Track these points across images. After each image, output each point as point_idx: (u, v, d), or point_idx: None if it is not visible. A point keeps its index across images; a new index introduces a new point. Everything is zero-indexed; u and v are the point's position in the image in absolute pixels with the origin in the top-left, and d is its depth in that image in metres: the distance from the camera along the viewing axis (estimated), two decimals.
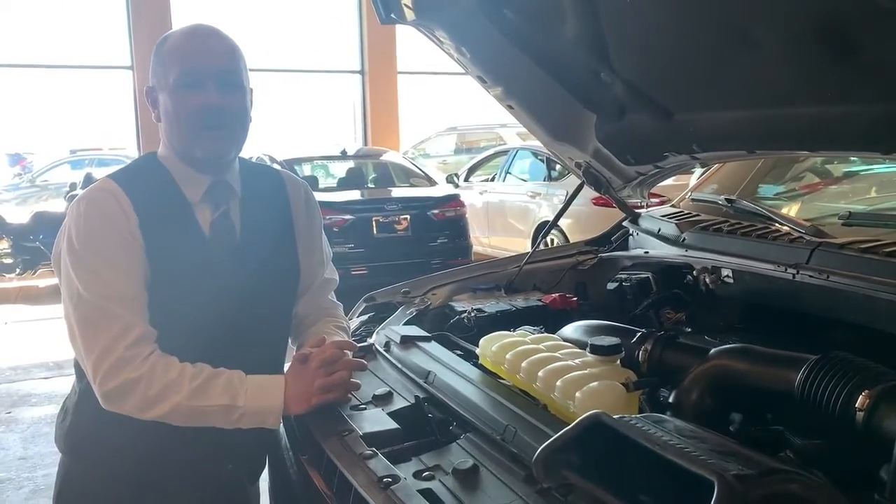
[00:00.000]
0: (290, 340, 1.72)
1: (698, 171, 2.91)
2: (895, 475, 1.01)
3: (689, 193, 2.58)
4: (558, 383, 1.37)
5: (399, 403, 1.48)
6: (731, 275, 1.88)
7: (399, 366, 1.66)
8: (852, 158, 2.95)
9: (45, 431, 4.41)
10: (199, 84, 1.43)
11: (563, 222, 7.04)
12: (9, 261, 8.75)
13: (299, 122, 11.58)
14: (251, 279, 1.50)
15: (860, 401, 1.14)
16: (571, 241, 3.96)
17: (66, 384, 5.37)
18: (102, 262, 1.39)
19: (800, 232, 1.83)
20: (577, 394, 1.32)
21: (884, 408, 1.12)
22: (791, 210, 2.40)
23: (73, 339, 1.42)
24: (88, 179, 9.17)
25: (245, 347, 1.48)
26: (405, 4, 1.90)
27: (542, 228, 7.89)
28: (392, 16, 1.95)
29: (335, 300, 1.79)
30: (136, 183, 1.47)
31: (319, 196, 1.84)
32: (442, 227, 7.29)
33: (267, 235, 1.58)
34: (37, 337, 6.64)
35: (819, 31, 1.31)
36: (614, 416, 1.09)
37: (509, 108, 2.18)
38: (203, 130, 1.44)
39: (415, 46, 11.85)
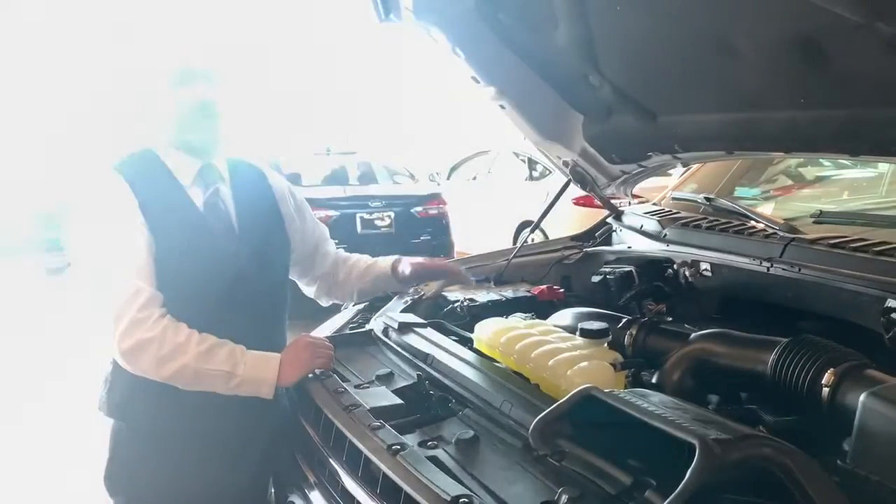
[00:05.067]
0: (322, 297, 2.05)
1: (676, 172, 3.03)
2: (855, 443, 1.11)
3: (670, 192, 2.69)
4: (550, 363, 1.47)
5: (401, 382, 1.58)
6: (709, 268, 1.99)
7: (398, 349, 1.75)
8: (825, 163, 3.09)
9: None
10: (188, 80, 1.64)
11: (543, 222, 7.13)
12: None
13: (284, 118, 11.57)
14: (245, 250, 1.69)
15: (826, 378, 1.25)
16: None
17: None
18: (110, 235, 1.57)
19: (774, 228, 1.94)
20: (568, 372, 1.42)
21: (847, 384, 1.23)
22: (766, 209, 2.52)
23: (92, 307, 1.58)
24: None
25: (243, 316, 1.65)
26: (404, 5, 1.99)
27: (524, 227, 8.03)
28: (391, 16, 2.03)
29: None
30: (132, 169, 1.65)
31: (303, 192, 2.01)
32: (425, 224, 7.37)
33: (256, 212, 1.77)
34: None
35: (794, 41, 1.42)
36: (604, 390, 1.19)
37: (501, 107, 2.28)
38: (198, 121, 1.65)
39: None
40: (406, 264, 2.01)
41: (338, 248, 2.09)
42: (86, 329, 1.69)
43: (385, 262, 2.04)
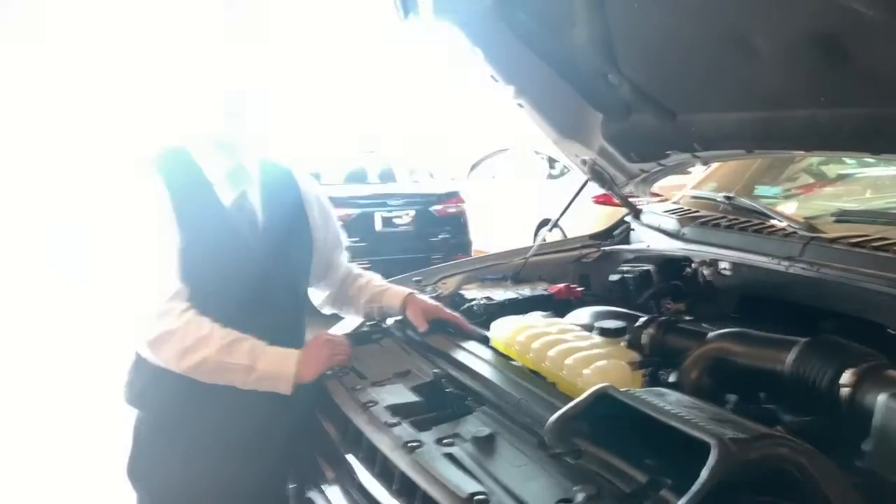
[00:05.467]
0: (335, 307, 2.05)
1: (696, 170, 3.01)
2: (875, 444, 1.11)
3: (689, 191, 2.68)
4: (567, 362, 1.48)
5: (418, 380, 1.59)
6: (728, 267, 1.98)
7: (416, 347, 1.76)
8: (847, 161, 3.06)
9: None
10: (223, 74, 1.65)
11: (562, 220, 7.11)
12: None
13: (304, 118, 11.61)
14: (269, 251, 1.71)
15: (845, 378, 1.24)
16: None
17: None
18: (139, 231, 1.60)
19: (794, 227, 1.93)
20: (585, 371, 1.43)
21: (867, 385, 1.22)
22: (786, 208, 2.50)
23: (117, 297, 1.62)
24: None
25: (263, 314, 1.67)
26: (423, 6, 2.00)
27: (543, 226, 7.99)
28: (410, 14, 2.05)
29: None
30: (165, 163, 1.67)
31: (324, 190, 2.00)
32: (443, 222, 7.38)
33: (282, 214, 1.78)
34: None
35: (813, 38, 1.41)
36: (620, 389, 1.19)
37: (519, 106, 2.28)
38: (228, 115, 1.65)
39: None
40: (416, 309, 1.90)
41: (357, 245, 2.11)
42: (113, 323, 1.72)
43: (397, 295, 1.96)
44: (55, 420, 4.46)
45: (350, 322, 2.12)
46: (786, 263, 1.80)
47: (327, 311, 2.08)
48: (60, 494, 3.53)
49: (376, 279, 2.04)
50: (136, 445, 1.74)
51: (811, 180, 3.07)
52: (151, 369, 1.63)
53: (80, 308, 7.64)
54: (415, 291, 2.00)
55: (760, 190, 2.76)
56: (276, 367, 1.61)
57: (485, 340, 1.78)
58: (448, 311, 1.92)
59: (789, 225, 1.96)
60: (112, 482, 2.01)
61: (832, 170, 3.20)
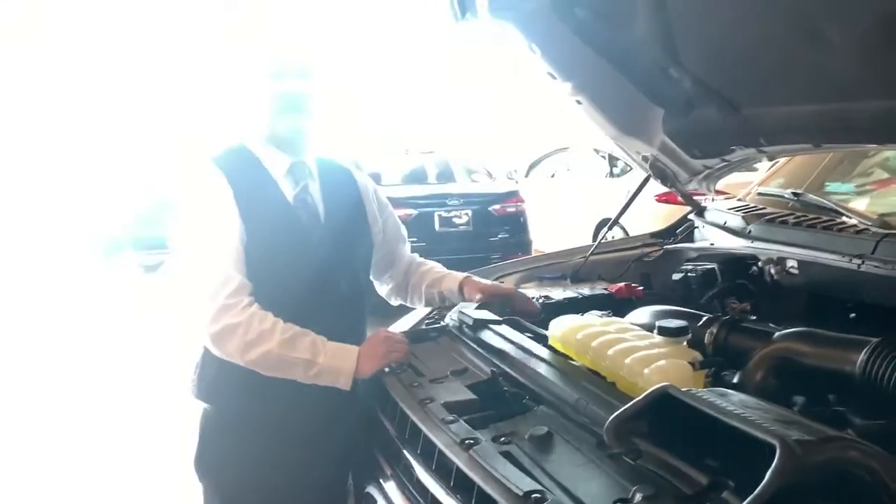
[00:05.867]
0: (397, 297, 2.10)
1: (763, 166, 2.93)
2: None
3: (755, 187, 2.61)
4: (627, 361, 1.45)
5: (475, 378, 1.59)
6: (795, 265, 1.92)
7: (473, 345, 1.76)
8: None
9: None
10: (281, 74, 1.69)
11: (624, 219, 6.99)
12: None
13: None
14: (331, 244, 1.75)
15: None
16: None
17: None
18: (205, 227, 1.65)
19: (865, 224, 1.86)
20: (645, 370, 1.40)
21: None
22: (858, 204, 2.41)
23: (184, 292, 1.66)
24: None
25: (325, 308, 1.71)
26: (479, 4, 2.00)
27: (603, 225, 7.89)
28: (467, 14, 2.05)
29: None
30: (228, 162, 1.73)
31: (383, 191, 2.05)
32: (502, 222, 7.36)
33: (342, 209, 1.83)
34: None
35: (886, 26, 1.35)
36: (681, 389, 1.17)
37: (578, 103, 2.25)
38: (286, 112, 1.71)
39: None
40: (473, 287, 1.99)
41: (416, 245, 2.13)
42: (180, 321, 1.77)
43: (454, 278, 2.03)
44: (117, 415, 4.63)
45: (409, 319, 2.14)
46: (857, 261, 1.74)
47: (394, 301, 2.12)
48: (129, 487, 3.66)
49: (437, 266, 2.09)
50: (203, 439, 1.79)
51: (886, 175, 2.94)
52: (218, 364, 1.67)
53: (147, 305, 7.92)
54: (471, 275, 2.05)
55: (831, 186, 2.67)
56: (336, 362, 1.63)
57: (543, 339, 1.77)
58: (505, 287, 2.00)
59: (861, 221, 1.89)
60: (178, 475, 2.07)
61: None
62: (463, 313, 1.96)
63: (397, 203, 6.58)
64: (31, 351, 6.01)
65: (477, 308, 2.02)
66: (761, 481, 0.92)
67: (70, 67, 11.18)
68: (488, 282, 2.02)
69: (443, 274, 2.05)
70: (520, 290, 2.22)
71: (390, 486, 1.52)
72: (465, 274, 2.04)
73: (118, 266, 9.43)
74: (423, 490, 1.35)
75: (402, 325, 2.09)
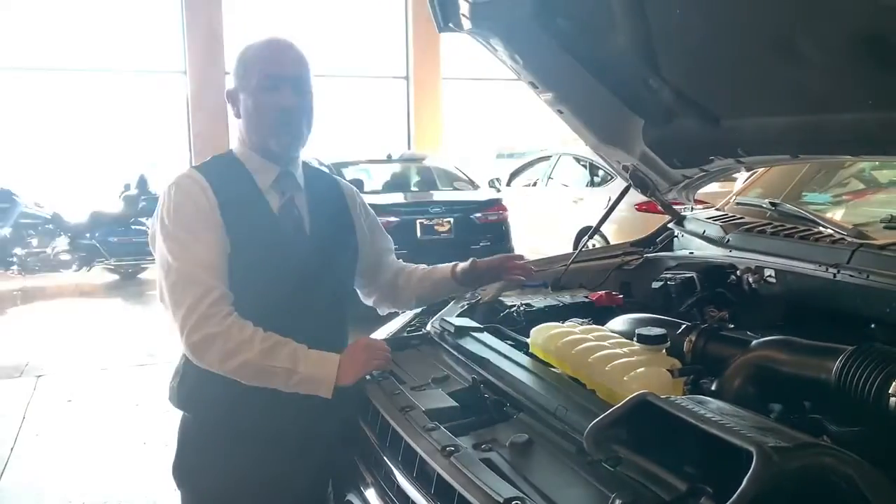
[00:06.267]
0: (380, 305, 2.10)
1: (742, 176, 2.97)
2: None
3: (734, 197, 2.64)
4: (606, 368, 1.46)
5: (456, 385, 1.59)
6: (773, 274, 1.95)
7: (454, 353, 1.76)
8: None
9: (101, 420, 4.63)
10: (276, 87, 1.68)
11: (605, 228, 7.04)
12: (66, 257, 9.09)
13: (345, 126, 11.74)
14: (316, 257, 1.74)
15: (894, 387, 1.21)
16: None
17: (120, 376, 5.62)
18: (188, 235, 1.63)
19: (841, 234, 1.89)
20: (625, 378, 1.41)
21: None
22: (835, 214, 2.45)
23: (164, 301, 1.65)
24: (142, 180, 9.50)
25: (307, 318, 1.69)
26: (462, 14, 2.01)
27: (585, 234, 7.95)
28: (450, 25, 2.06)
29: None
30: (215, 171, 1.72)
31: (365, 198, 2.04)
32: (485, 230, 7.37)
33: (328, 221, 1.82)
34: (92, 331, 6.91)
35: (861, 41, 1.38)
36: (660, 396, 1.18)
37: (559, 112, 2.27)
38: (279, 126, 1.69)
39: (460, 53, 11.99)
40: (464, 266, 2.03)
41: (398, 252, 2.13)
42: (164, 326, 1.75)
43: (444, 266, 2.07)
44: (103, 423, 4.58)
45: (390, 327, 2.14)
46: (833, 270, 1.77)
47: (383, 310, 2.13)
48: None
49: (423, 266, 2.10)
50: (182, 447, 1.78)
51: (862, 186, 2.99)
52: (198, 372, 1.66)
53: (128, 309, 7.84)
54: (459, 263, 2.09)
55: (809, 197, 2.71)
56: (316, 370, 1.63)
57: (524, 346, 1.78)
58: (494, 258, 2.06)
59: (837, 231, 1.92)
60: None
61: (884, 175, 3.12)
62: (444, 321, 1.97)
63: (378, 210, 6.58)
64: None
65: (458, 315, 2.03)
66: (738, 487, 0.93)
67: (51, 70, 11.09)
68: (479, 259, 2.06)
69: (431, 268, 2.07)
70: (501, 297, 2.23)
71: (371, 494, 1.52)
72: (453, 263, 2.06)
73: (95, 273, 9.36)
74: (404, 497, 1.35)
75: (383, 333, 2.09)
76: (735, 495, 0.93)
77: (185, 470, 1.77)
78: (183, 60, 11.40)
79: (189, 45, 11.27)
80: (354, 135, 11.77)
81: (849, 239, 1.85)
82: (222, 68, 10.78)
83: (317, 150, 8.11)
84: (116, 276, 9.44)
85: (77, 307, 8.16)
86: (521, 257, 2.16)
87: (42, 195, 9.59)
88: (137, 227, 9.04)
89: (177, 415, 1.80)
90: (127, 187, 9.63)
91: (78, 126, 11.46)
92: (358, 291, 2.06)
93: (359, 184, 7.30)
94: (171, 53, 11.49)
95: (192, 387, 1.71)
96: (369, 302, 2.09)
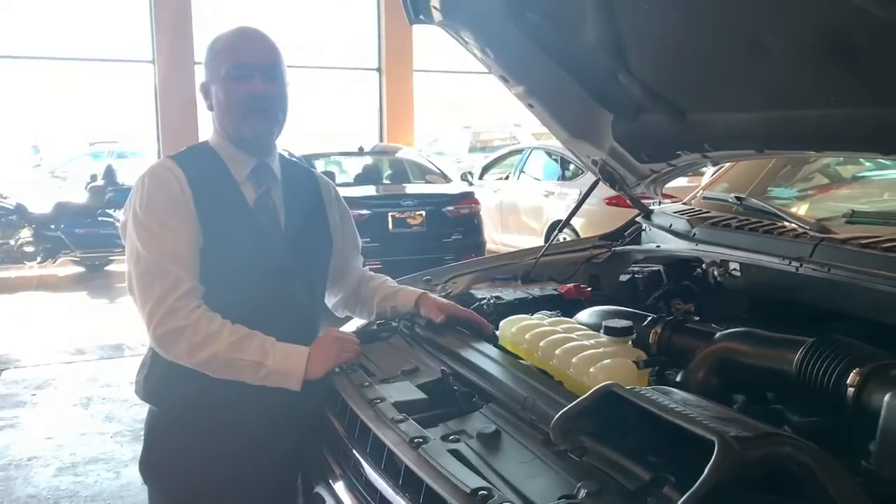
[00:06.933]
0: (346, 310, 2.05)
1: (709, 171, 3.00)
2: (880, 443, 1.10)
3: (701, 192, 2.67)
4: (574, 360, 1.48)
5: (425, 377, 1.60)
6: (738, 268, 1.98)
7: (424, 345, 1.77)
8: (865, 162, 3.04)
9: (69, 413, 4.57)
10: (247, 76, 1.66)
11: (575, 221, 7.13)
12: (31, 249, 8.93)
13: (317, 118, 11.68)
14: (290, 251, 1.72)
15: (851, 378, 1.24)
16: None
17: (87, 369, 5.57)
18: (160, 226, 1.61)
19: (804, 228, 1.92)
20: (591, 369, 1.43)
21: (873, 385, 1.22)
22: (799, 209, 2.49)
23: (133, 292, 1.63)
24: (109, 171, 9.36)
25: (281, 312, 1.69)
26: (433, 6, 2.01)
27: (556, 227, 8.00)
28: (420, 17, 2.06)
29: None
30: (190, 162, 1.70)
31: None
32: (456, 223, 7.38)
33: (303, 214, 1.80)
34: (57, 324, 6.81)
35: (824, 39, 1.40)
36: (625, 387, 1.20)
37: (529, 106, 2.29)
38: (252, 113, 1.67)
39: (432, 45, 11.97)
40: (431, 306, 1.89)
41: (369, 245, 2.11)
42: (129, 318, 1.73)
43: (410, 294, 1.96)
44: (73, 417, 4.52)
45: (359, 320, 2.13)
46: (796, 264, 1.80)
47: (340, 313, 2.09)
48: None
49: (389, 281, 2.05)
50: (149, 440, 1.76)
51: (826, 181, 3.05)
52: (165, 365, 1.64)
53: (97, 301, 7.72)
54: (427, 292, 2.00)
55: (775, 191, 2.75)
56: (285, 363, 1.62)
57: (493, 339, 1.79)
58: (462, 308, 1.91)
59: (800, 226, 1.96)
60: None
61: (848, 171, 3.18)
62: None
63: (350, 203, 6.57)
64: None
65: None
66: (700, 476, 0.95)
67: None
68: (445, 301, 1.93)
69: (396, 289, 2.00)
70: (471, 290, 2.24)
71: (339, 486, 1.52)
72: (421, 291, 1.97)
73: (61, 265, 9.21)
74: (372, 489, 1.35)
75: (353, 326, 2.09)
76: (697, 484, 0.94)
77: (153, 463, 1.75)
78: (151, 50, 11.23)
79: (157, 34, 11.10)
80: (326, 127, 11.72)
81: (811, 233, 1.89)
82: (192, 58, 10.66)
83: (288, 142, 8.05)
84: (82, 269, 9.29)
85: (42, 300, 8.02)
86: (490, 328, 1.89)
87: (5, 186, 9.42)
88: (104, 219, 8.91)
89: (144, 408, 1.78)
90: (94, 178, 9.49)
91: (42, 116, 11.27)
92: None
93: (330, 176, 7.25)
94: (139, 42, 11.31)
95: (158, 380, 1.69)
96: (330, 303, 2.04)
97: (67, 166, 15.48)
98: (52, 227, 8.89)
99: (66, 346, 5.95)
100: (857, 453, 1.16)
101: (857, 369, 1.24)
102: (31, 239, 8.92)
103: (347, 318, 2.17)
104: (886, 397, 1.10)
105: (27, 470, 3.79)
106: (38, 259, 8.95)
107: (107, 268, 9.31)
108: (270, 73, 1.68)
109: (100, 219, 8.95)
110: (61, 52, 11.28)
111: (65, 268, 9.30)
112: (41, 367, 5.47)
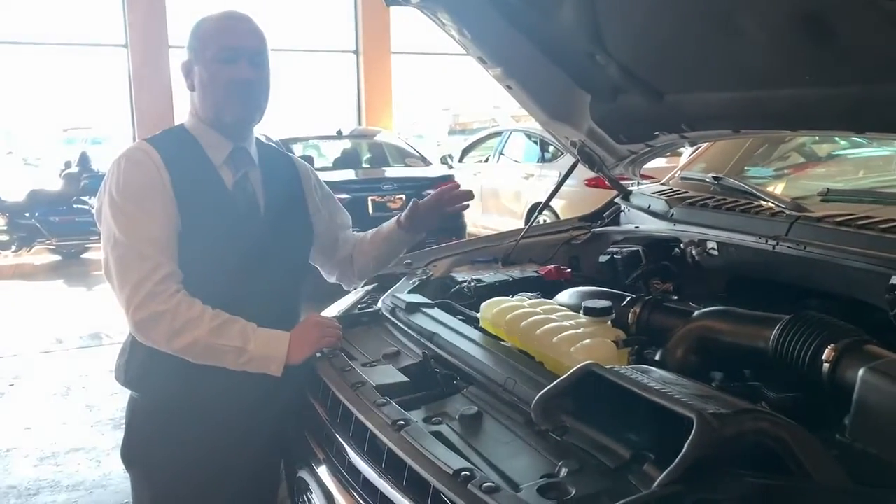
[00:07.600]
0: (345, 273, 2.03)
1: (687, 151, 3.02)
2: (854, 417, 1.12)
3: (679, 172, 2.69)
4: (553, 341, 1.49)
5: (407, 361, 1.60)
6: (715, 247, 2.00)
7: (405, 329, 1.77)
8: (840, 141, 3.07)
9: (48, 403, 4.53)
10: (233, 59, 1.64)
11: (555, 203, 7.16)
12: (5, 238, 8.81)
13: (294, 101, 11.57)
14: (269, 236, 1.71)
15: (826, 354, 1.26)
16: None
17: (65, 358, 5.51)
18: (137, 209, 1.59)
19: (780, 207, 1.94)
20: (571, 349, 1.44)
21: (847, 360, 1.24)
22: (775, 188, 2.51)
23: (110, 277, 1.61)
24: (84, 157, 9.23)
25: (260, 297, 1.67)
26: None
27: (536, 209, 8.03)
28: None
29: None
30: (167, 145, 1.67)
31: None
32: None
33: (282, 199, 1.78)
34: (33, 313, 6.73)
35: (798, 18, 1.41)
36: (605, 367, 1.21)
37: (508, 88, 2.28)
38: (234, 98, 1.66)
39: (409, 27, 11.89)
40: (406, 212, 1.94)
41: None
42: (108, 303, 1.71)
43: (389, 221, 2.01)
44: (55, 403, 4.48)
45: (341, 304, 2.13)
46: (772, 242, 1.82)
47: (347, 285, 2.09)
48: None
49: (370, 232, 2.04)
50: (131, 427, 1.75)
51: (802, 160, 3.08)
52: (146, 351, 1.63)
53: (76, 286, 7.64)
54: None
55: (752, 171, 2.77)
56: (266, 348, 1.61)
57: (474, 321, 1.79)
58: (425, 200, 1.95)
59: (776, 204, 1.98)
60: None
61: (823, 149, 3.22)
62: (395, 297, 1.97)
63: (330, 187, 6.58)
64: None
65: (409, 292, 2.04)
66: (680, 453, 0.96)
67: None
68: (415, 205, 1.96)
69: (379, 227, 2.01)
70: (452, 273, 2.24)
71: (322, 470, 1.52)
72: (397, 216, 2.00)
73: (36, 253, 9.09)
74: (355, 472, 1.36)
75: (334, 310, 2.09)
76: (676, 460, 0.96)
77: (135, 450, 1.74)
78: (124, 33, 11.04)
79: (130, 18, 10.91)
80: (303, 110, 11.62)
81: (787, 212, 1.90)
82: (165, 42, 10.49)
83: (265, 126, 7.98)
84: (58, 257, 9.19)
85: (18, 289, 7.92)
86: (456, 185, 2.04)
87: None
88: (80, 206, 8.80)
89: (125, 397, 1.77)
90: (68, 165, 9.36)
91: (13, 101, 11.07)
92: (320, 270, 2.04)
93: (308, 160, 7.18)
94: (112, 26, 11.11)
95: (139, 365, 1.68)
96: (332, 279, 2.07)
97: (41, 153, 15.24)
98: (27, 215, 8.77)
99: (44, 335, 5.89)
100: (832, 427, 1.18)
101: (832, 345, 1.26)
102: (5, 228, 8.80)
103: (328, 301, 2.17)
104: (860, 372, 1.12)
105: (7, 461, 3.75)
106: (13, 248, 8.83)
107: (83, 256, 9.21)
108: (256, 60, 1.66)
109: (75, 206, 8.84)
110: (33, 37, 11.04)
111: (40, 256, 9.19)
112: (18, 356, 5.42)
